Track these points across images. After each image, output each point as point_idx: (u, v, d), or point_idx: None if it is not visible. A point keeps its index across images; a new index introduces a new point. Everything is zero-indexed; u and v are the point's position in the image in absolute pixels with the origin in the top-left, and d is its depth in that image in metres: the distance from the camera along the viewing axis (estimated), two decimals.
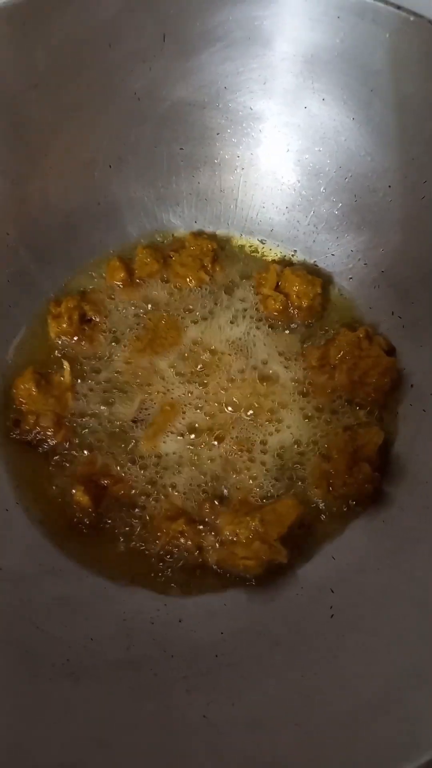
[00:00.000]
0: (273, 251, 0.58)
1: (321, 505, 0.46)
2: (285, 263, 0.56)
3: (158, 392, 0.51)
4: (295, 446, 0.48)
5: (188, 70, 0.52)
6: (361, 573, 0.42)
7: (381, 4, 0.46)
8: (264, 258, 0.57)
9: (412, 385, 0.49)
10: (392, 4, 0.46)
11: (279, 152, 0.56)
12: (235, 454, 0.48)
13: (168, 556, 0.45)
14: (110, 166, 0.56)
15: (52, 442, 0.49)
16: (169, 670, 0.38)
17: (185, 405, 0.50)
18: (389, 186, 0.51)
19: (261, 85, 0.53)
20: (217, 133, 0.56)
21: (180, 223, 0.59)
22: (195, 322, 0.54)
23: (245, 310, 0.54)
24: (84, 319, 0.54)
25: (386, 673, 0.34)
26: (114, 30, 0.50)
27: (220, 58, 0.51)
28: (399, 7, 0.46)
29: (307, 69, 0.51)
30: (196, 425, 0.50)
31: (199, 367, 0.52)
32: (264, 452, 0.48)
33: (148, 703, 0.36)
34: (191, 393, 0.51)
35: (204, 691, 0.36)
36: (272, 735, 0.32)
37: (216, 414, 0.50)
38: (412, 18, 0.45)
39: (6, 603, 0.40)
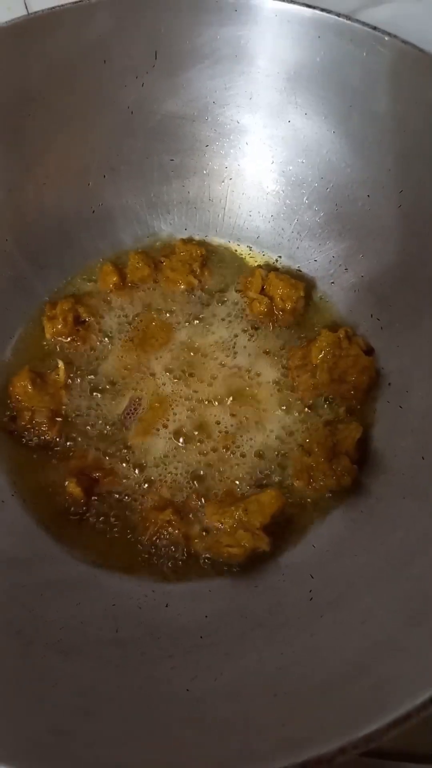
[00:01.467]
0: (259, 257, 0.60)
1: (302, 496, 0.48)
2: (270, 268, 0.59)
3: (148, 390, 0.53)
4: (278, 441, 0.51)
5: (178, 85, 0.55)
6: (339, 558, 0.44)
7: (358, 25, 0.49)
8: (250, 263, 0.60)
9: (389, 384, 0.51)
10: (369, 25, 0.49)
11: (264, 163, 0.58)
12: (221, 448, 0.50)
13: (156, 545, 0.47)
14: (104, 176, 0.58)
15: (46, 437, 0.51)
16: (155, 650, 0.40)
17: (174, 402, 0.53)
18: (368, 195, 0.54)
19: (247, 100, 0.56)
20: (206, 145, 0.59)
21: (170, 230, 0.61)
22: (184, 324, 0.57)
23: (232, 312, 0.57)
24: (78, 321, 0.56)
25: (358, 646, 0.36)
26: (107, 47, 0.53)
27: (208, 74, 0.55)
28: (375, 28, 0.49)
29: (290, 85, 0.54)
30: (184, 421, 0.52)
31: (187, 366, 0.54)
32: (248, 446, 0.51)
33: (134, 678, 0.37)
34: (180, 391, 0.53)
35: (188, 668, 0.38)
36: (250, 703, 0.34)
37: (203, 410, 0.52)
38: (386, 38, 0.48)
39: (0, 586, 0.42)
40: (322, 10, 0.49)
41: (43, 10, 0.51)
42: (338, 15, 0.49)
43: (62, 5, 0.51)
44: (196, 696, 0.36)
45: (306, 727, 0.32)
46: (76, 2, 0.51)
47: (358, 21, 0.49)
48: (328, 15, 0.49)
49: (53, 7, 0.51)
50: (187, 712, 0.35)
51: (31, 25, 0.50)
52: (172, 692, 0.36)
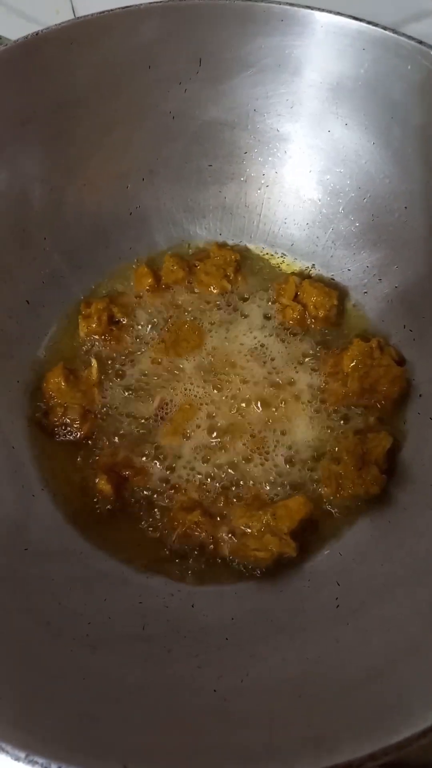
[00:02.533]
0: (292, 264, 0.61)
1: (330, 504, 0.49)
2: (303, 276, 0.59)
3: (179, 391, 0.54)
4: (307, 448, 0.51)
5: (221, 92, 0.56)
6: (364, 566, 0.44)
7: (404, 39, 0.49)
8: (284, 270, 0.61)
9: (420, 395, 0.51)
10: (415, 39, 0.49)
11: (302, 172, 0.59)
12: (250, 452, 0.51)
13: (183, 545, 0.47)
14: (143, 179, 0.59)
15: (78, 434, 0.52)
16: (181, 648, 0.41)
17: (204, 404, 0.53)
18: (405, 207, 0.54)
19: (288, 108, 0.56)
20: (245, 152, 0.60)
21: (205, 234, 0.62)
22: (216, 328, 0.57)
23: (264, 318, 0.57)
24: (112, 321, 0.57)
25: (381, 653, 0.36)
26: (153, 54, 0.54)
27: (251, 82, 0.55)
28: (421, 42, 0.49)
29: (332, 96, 0.54)
30: (214, 424, 0.52)
31: (218, 369, 0.55)
32: (277, 452, 0.51)
33: (161, 674, 0.38)
34: (210, 394, 0.54)
35: (214, 667, 0.39)
36: (275, 703, 0.35)
37: (232, 414, 0.53)
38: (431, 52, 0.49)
39: (31, 577, 0.43)
40: (368, 22, 0.49)
41: (92, 15, 0.52)
42: (384, 28, 0.49)
43: (111, 10, 0.52)
44: (222, 694, 0.36)
45: (332, 729, 0.32)
46: (125, 8, 0.52)
47: (404, 35, 0.49)
48: (374, 28, 0.49)
49: (102, 12, 0.52)
50: (213, 706, 0.35)
51: (79, 30, 0.52)
52: (199, 690, 0.37)
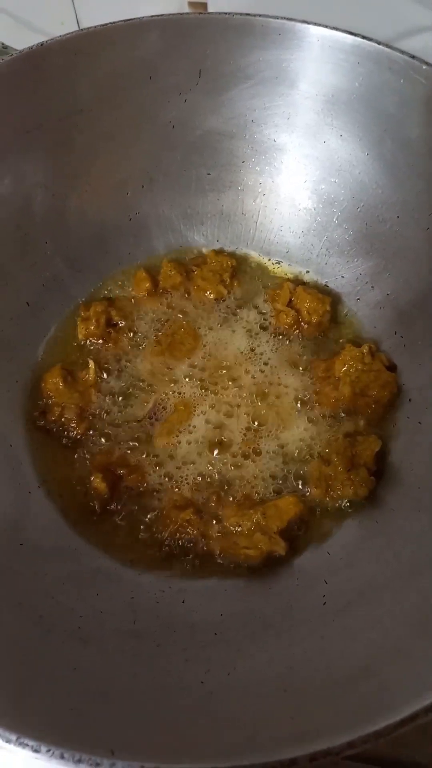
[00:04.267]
0: (287, 271, 0.62)
1: (319, 504, 0.50)
2: (298, 282, 0.61)
3: (173, 393, 0.55)
4: (298, 449, 0.52)
5: (219, 103, 0.57)
6: (352, 566, 0.45)
7: (396, 53, 0.51)
8: (278, 276, 0.62)
9: (410, 400, 0.53)
10: (407, 54, 0.50)
11: (298, 181, 0.61)
12: (242, 453, 0.52)
13: (175, 543, 0.48)
14: (142, 186, 0.61)
15: (74, 433, 0.53)
16: (170, 643, 0.42)
17: (198, 406, 0.54)
18: (397, 217, 0.55)
19: (285, 120, 0.58)
20: (242, 161, 0.61)
21: (203, 240, 0.64)
22: (212, 332, 0.58)
23: (259, 322, 0.59)
24: (110, 323, 0.58)
25: (366, 651, 0.37)
26: (154, 65, 0.55)
27: (249, 94, 0.57)
28: (413, 57, 0.51)
29: (327, 108, 0.56)
30: (207, 426, 0.53)
31: (212, 372, 0.56)
32: (269, 453, 0.52)
33: (150, 668, 0.39)
34: (204, 396, 0.55)
35: (201, 662, 0.39)
36: (261, 697, 0.36)
37: (226, 416, 0.54)
38: (424, 66, 0.50)
39: (25, 573, 0.44)
40: (363, 37, 0.51)
41: (95, 27, 0.53)
42: (378, 43, 0.51)
43: (114, 22, 0.53)
44: (208, 688, 0.37)
45: (315, 722, 0.33)
46: (127, 20, 0.53)
47: (397, 49, 0.50)
48: (368, 42, 0.51)
49: (105, 24, 0.53)
50: (199, 702, 0.36)
51: (83, 41, 0.53)
52: (186, 683, 0.38)
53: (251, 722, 0.34)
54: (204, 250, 0.63)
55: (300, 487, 0.50)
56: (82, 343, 0.58)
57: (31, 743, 0.30)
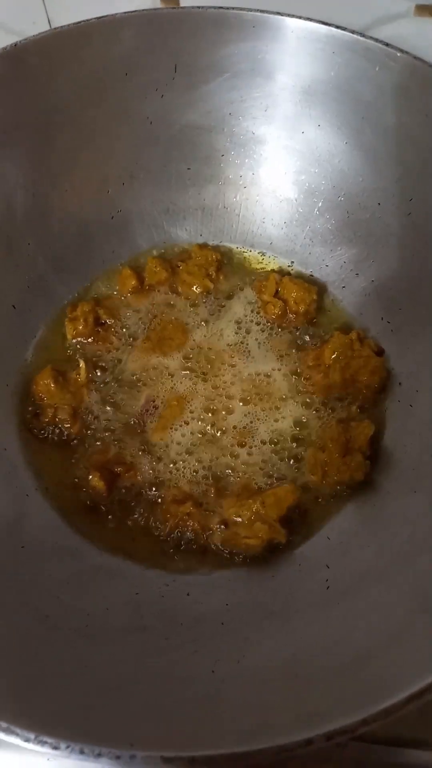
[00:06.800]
0: (272, 262, 0.63)
1: (317, 491, 0.50)
2: (283, 273, 0.61)
3: (165, 388, 0.55)
4: (293, 437, 0.53)
5: (197, 97, 0.57)
6: (351, 550, 0.46)
7: (371, 41, 0.51)
8: (264, 268, 0.62)
9: (400, 383, 0.53)
10: (381, 42, 0.51)
11: (278, 173, 0.61)
12: (237, 444, 0.52)
13: (176, 537, 0.49)
14: (123, 184, 0.61)
15: (69, 433, 0.53)
16: (177, 635, 0.42)
17: (190, 400, 0.55)
18: (378, 204, 0.56)
19: (263, 112, 0.58)
20: (222, 155, 0.61)
21: (186, 236, 0.64)
22: (200, 325, 0.59)
23: (246, 314, 0.59)
24: (98, 322, 0.58)
25: (369, 633, 0.38)
26: (130, 62, 0.55)
27: (226, 87, 0.57)
28: (387, 44, 0.51)
29: (304, 98, 0.56)
30: (201, 419, 0.54)
31: (203, 365, 0.56)
32: (264, 443, 0.53)
33: (159, 661, 0.39)
34: (196, 389, 0.55)
35: (211, 652, 0.40)
36: (271, 683, 0.36)
37: (219, 409, 0.54)
38: (398, 54, 0.50)
39: (28, 574, 0.44)
40: (337, 27, 0.51)
41: (68, 25, 0.53)
42: (352, 32, 0.51)
43: (88, 20, 0.53)
44: (219, 677, 0.38)
45: (326, 704, 0.33)
46: (101, 17, 0.53)
47: (371, 38, 0.51)
48: (342, 32, 0.51)
49: (79, 22, 0.53)
50: (212, 690, 0.37)
51: (58, 40, 0.53)
52: (197, 673, 0.38)
53: (264, 707, 0.35)
54: (188, 245, 0.63)
55: (297, 474, 0.51)
56: (71, 343, 0.57)
57: (50, 740, 0.30)
